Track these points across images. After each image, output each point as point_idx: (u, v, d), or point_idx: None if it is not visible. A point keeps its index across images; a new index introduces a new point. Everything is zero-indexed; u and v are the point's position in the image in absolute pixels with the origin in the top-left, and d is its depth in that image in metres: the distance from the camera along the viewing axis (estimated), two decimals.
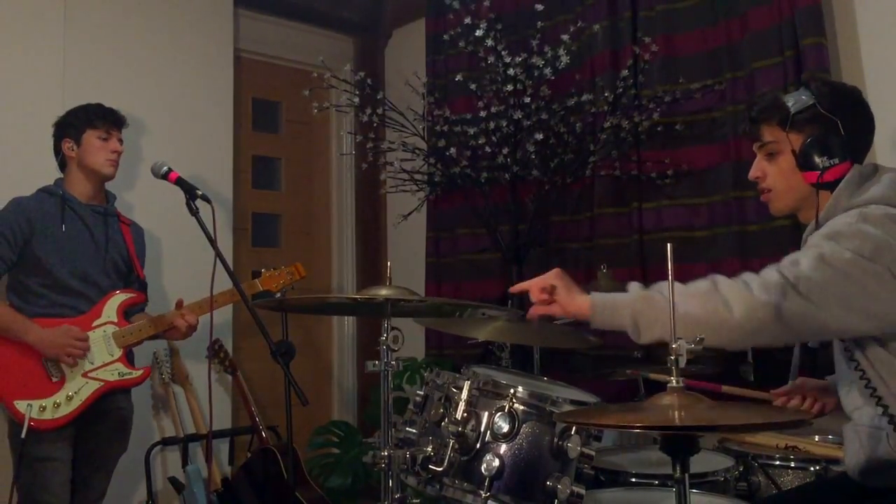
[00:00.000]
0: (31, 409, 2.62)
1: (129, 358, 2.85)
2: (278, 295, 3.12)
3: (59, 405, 2.67)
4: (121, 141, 2.93)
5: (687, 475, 1.30)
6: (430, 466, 1.87)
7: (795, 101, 1.78)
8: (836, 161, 1.73)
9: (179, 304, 2.89)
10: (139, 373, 2.84)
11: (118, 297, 2.85)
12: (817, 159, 1.74)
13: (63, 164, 2.89)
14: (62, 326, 2.70)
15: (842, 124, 1.73)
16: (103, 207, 2.92)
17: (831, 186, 1.75)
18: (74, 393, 2.70)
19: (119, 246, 2.92)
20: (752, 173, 1.89)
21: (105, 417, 2.83)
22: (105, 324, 2.80)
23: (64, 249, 2.76)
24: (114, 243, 2.90)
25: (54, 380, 2.69)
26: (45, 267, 2.73)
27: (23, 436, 2.57)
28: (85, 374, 2.73)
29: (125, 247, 2.95)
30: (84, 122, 2.85)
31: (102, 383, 2.75)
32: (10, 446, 2.74)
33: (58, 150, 2.88)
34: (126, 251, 2.94)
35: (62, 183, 2.87)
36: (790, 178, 1.80)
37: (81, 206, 2.85)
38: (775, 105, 1.81)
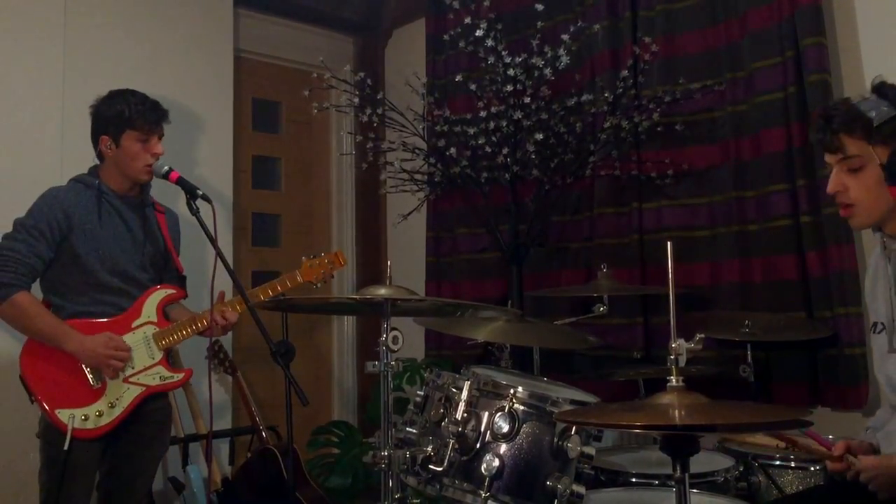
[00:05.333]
0: (74, 419, 2.48)
1: (169, 360, 2.72)
2: (318, 286, 2.94)
3: (101, 414, 2.54)
4: (161, 137, 2.72)
5: (687, 475, 1.31)
6: (430, 466, 1.87)
7: (876, 111, 1.70)
8: None
9: (221, 297, 2.74)
10: (180, 375, 2.71)
11: (158, 294, 2.72)
12: None
13: (101, 155, 2.70)
14: (103, 335, 2.57)
15: None
16: (139, 199, 2.76)
17: None
18: (116, 400, 2.57)
19: (156, 238, 2.78)
20: (832, 187, 1.81)
21: (145, 419, 2.67)
22: (145, 324, 2.66)
23: (102, 246, 2.61)
24: (151, 237, 2.77)
25: (95, 386, 2.55)
26: (85, 264, 2.58)
27: (66, 447, 2.44)
28: (126, 380, 2.59)
29: (162, 238, 2.80)
30: (124, 121, 2.64)
31: (144, 388, 2.62)
32: (42, 445, 2.58)
33: (95, 142, 2.70)
34: (163, 243, 2.81)
35: (97, 172, 2.69)
36: (877, 192, 1.74)
37: (117, 198, 2.69)
38: (856, 116, 1.73)
